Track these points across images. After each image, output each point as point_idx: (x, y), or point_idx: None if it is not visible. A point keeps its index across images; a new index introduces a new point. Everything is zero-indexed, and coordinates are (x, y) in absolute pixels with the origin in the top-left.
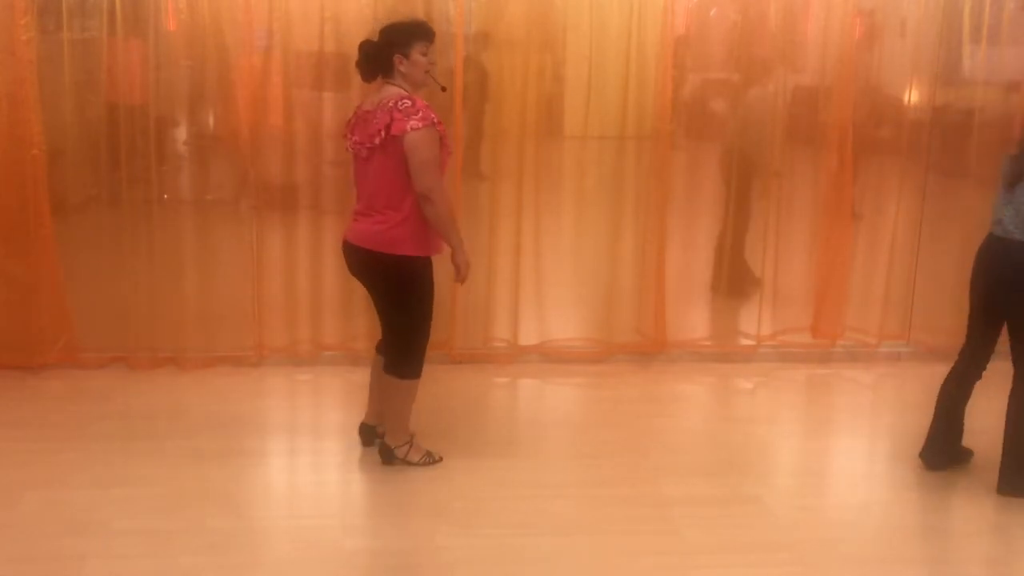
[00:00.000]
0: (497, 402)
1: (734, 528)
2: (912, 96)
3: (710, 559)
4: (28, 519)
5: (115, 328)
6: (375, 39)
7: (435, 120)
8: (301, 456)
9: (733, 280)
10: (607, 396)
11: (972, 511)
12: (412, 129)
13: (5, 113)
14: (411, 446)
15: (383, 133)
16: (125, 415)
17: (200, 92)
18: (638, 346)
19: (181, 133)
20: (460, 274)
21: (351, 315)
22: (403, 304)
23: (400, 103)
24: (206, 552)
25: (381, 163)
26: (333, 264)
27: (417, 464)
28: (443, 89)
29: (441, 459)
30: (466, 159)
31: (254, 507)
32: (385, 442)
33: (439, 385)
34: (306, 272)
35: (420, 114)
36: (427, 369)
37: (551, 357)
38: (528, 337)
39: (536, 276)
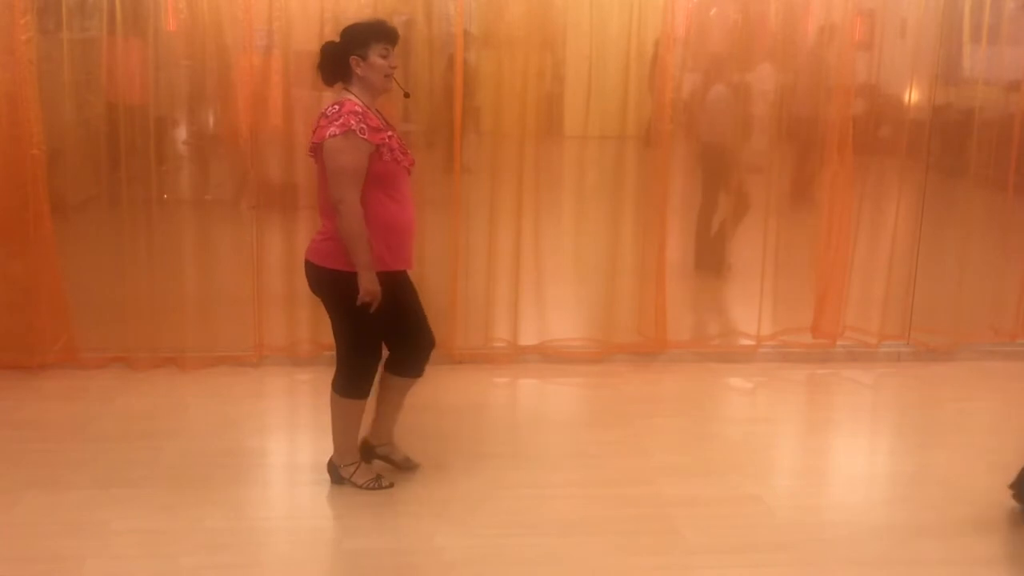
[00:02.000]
0: (497, 402)
1: (734, 528)
2: (912, 96)
3: (710, 559)
4: (28, 519)
5: (115, 328)
6: (336, 40)
7: (355, 127)
8: (301, 456)
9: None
10: (607, 396)
11: (971, 511)
12: (330, 136)
13: (5, 113)
14: (358, 466)
15: (313, 141)
16: (125, 415)
17: (200, 92)
18: (638, 346)
19: (181, 133)
20: (360, 296)
21: None
22: (339, 319)
23: (329, 109)
24: (206, 552)
25: (317, 171)
26: None
27: (362, 487)
28: (406, 95)
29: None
30: (464, 158)
31: (254, 507)
32: (332, 460)
33: (439, 385)
34: None
35: (340, 120)
36: (427, 369)
37: (551, 357)
38: (528, 337)
39: (536, 276)
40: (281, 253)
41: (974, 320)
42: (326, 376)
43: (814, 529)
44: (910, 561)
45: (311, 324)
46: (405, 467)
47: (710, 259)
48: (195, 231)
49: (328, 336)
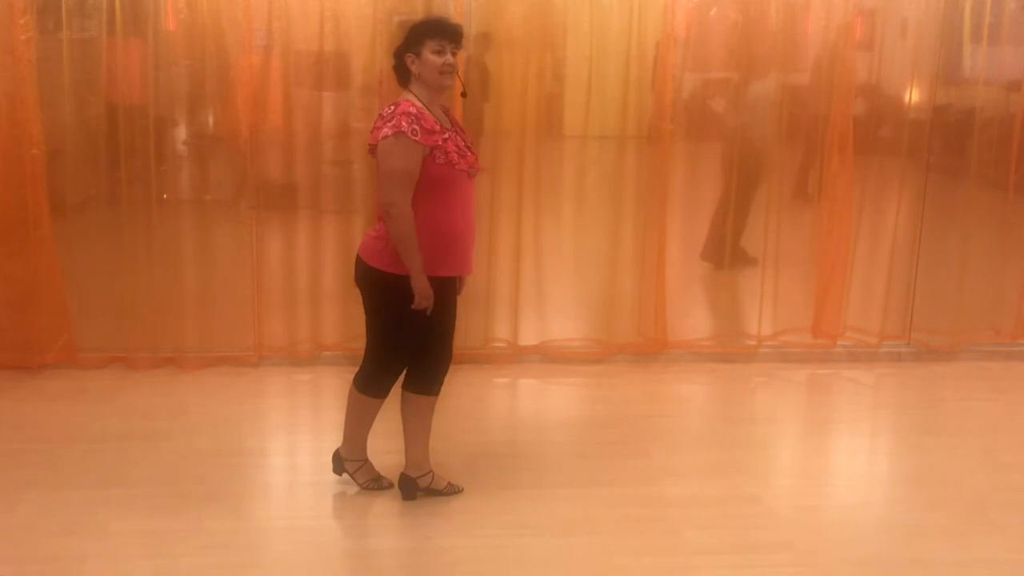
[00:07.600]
0: (497, 402)
1: (734, 528)
2: (912, 96)
3: (710, 559)
4: (28, 519)
5: (115, 328)
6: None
7: (405, 129)
8: (301, 456)
9: (732, 262)
10: (607, 396)
11: (971, 510)
12: (383, 137)
13: (5, 113)
14: (361, 465)
15: (370, 142)
16: (125, 415)
17: (200, 92)
18: (638, 346)
19: (181, 133)
20: (415, 301)
21: (351, 315)
22: (377, 317)
23: (385, 109)
24: (206, 552)
25: (375, 172)
26: (333, 264)
27: (362, 487)
28: (463, 95)
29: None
30: None
31: (254, 507)
32: (339, 451)
33: None
34: (306, 272)
35: (393, 122)
36: None
37: (551, 357)
38: (528, 337)
39: (536, 276)
40: (281, 253)
41: (975, 320)
42: (326, 376)
43: (814, 529)
44: (910, 561)
45: (311, 324)
46: (449, 492)
47: (726, 254)
48: (195, 231)
49: (329, 336)
